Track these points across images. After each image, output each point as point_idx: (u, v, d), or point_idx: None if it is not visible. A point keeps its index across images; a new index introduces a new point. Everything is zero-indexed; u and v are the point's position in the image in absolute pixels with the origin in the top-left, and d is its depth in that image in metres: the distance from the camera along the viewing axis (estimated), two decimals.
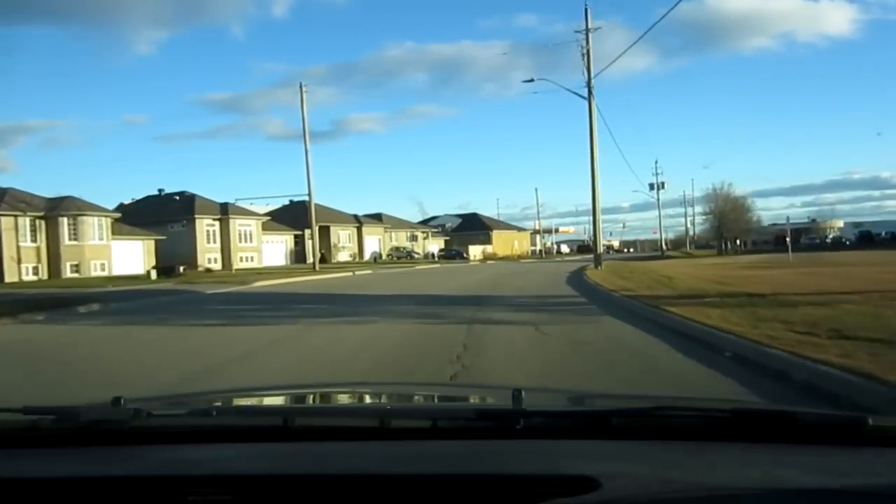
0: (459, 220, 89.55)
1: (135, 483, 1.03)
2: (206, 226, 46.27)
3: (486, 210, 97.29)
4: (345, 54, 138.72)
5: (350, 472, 1.03)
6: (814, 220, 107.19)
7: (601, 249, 27.55)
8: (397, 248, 66.36)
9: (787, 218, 45.91)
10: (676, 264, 31.06)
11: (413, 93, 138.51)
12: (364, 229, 64.13)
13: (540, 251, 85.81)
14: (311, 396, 1.98)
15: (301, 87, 29.78)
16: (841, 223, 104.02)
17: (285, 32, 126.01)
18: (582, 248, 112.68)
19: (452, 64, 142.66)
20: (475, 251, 75.37)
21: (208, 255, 46.10)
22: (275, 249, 53.51)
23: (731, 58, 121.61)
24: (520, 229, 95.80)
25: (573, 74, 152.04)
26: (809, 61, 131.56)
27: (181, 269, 30.12)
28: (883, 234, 78.86)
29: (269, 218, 53.41)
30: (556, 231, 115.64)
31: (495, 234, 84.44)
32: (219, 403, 1.70)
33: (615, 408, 1.41)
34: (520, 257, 77.56)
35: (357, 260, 60.23)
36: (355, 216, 65.00)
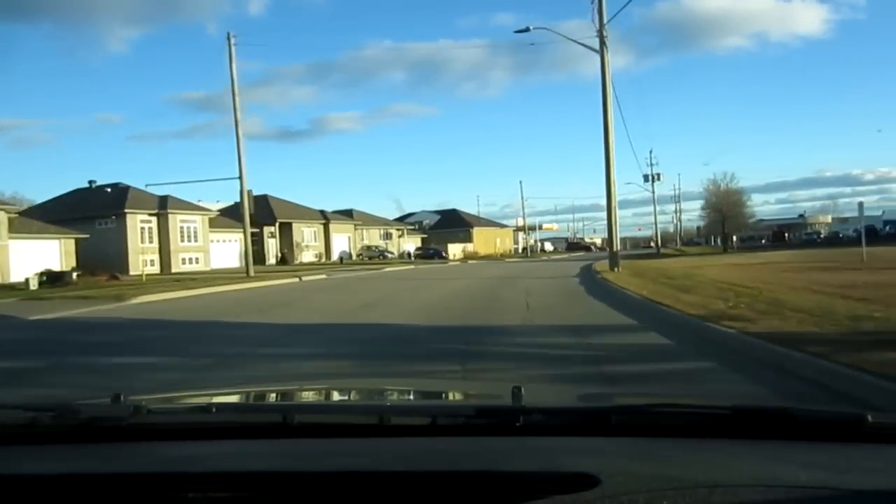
0: (438, 217, 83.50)
1: (134, 480, 1.03)
2: (139, 222, 39.51)
3: (467, 208, 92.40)
4: (323, 53, 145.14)
5: (349, 469, 1.02)
6: (801, 216, 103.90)
7: (617, 246, 21.40)
8: (369, 248, 59.97)
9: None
10: (703, 264, 25.13)
11: (391, 91, 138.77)
12: (332, 226, 57.64)
13: (524, 249, 79.92)
14: (311, 393, 1.95)
15: (229, 38, 23.25)
16: (829, 219, 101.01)
17: (262, 31, 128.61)
18: (572, 245, 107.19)
19: (431, 63, 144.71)
20: (455, 250, 69.76)
21: (143, 256, 39.31)
22: (226, 250, 46.84)
23: (706, 57, 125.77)
24: (501, 226, 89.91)
25: (553, 72, 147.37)
26: (782, 61, 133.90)
27: (74, 275, 23.48)
28: (887, 228, 74.46)
29: (218, 213, 46.74)
30: (540, 228, 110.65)
31: (476, 231, 78.45)
32: (218, 400, 1.65)
33: (615, 405, 1.42)
34: (503, 256, 72.05)
35: (323, 260, 53.80)
36: (322, 212, 58.50)
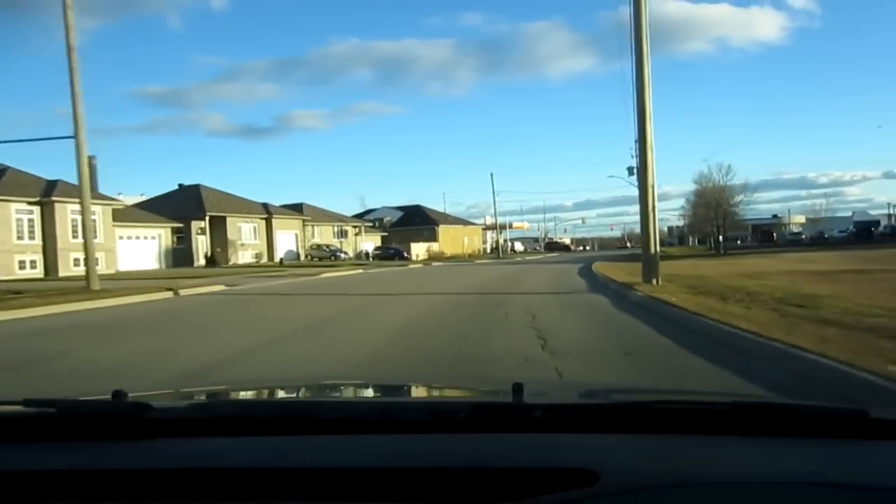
0: (401, 214, 76.23)
1: (135, 476, 1.02)
2: (16, 212, 31.19)
3: (433, 206, 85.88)
4: (287, 49, 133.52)
5: (351, 466, 1.01)
6: (775, 216, 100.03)
7: (656, 247, 14.27)
8: (318, 247, 52.10)
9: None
10: (750, 271, 18.29)
11: (358, 90, 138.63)
12: (275, 222, 49.70)
13: (493, 249, 72.51)
14: (312, 390, 1.95)
15: None
16: (803, 219, 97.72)
17: (225, 25, 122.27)
18: (550, 245, 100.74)
19: (397, 61, 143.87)
20: (418, 249, 62.79)
21: (21, 256, 31.14)
22: (140, 248, 38.73)
23: (668, 61, 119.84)
24: (469, 224, 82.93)
25: (519, 73, 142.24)
26: (741, 65, 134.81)
27: None
28: (882, 227, 69.54)
29: (127, 206, 38.52)
30: (510, 227, 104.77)
31: (442, 229, 71.21)
32: (220, 397, 1.67)
33: (615, 401, 1.41)
34: (471, 256, 65.28)
35: (264, 261, 45.92)
36: (264, 205, 50.53)
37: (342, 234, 58.72)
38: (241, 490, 0.98)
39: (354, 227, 61.02)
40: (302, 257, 49.51)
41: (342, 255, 50.06)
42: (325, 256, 48.69)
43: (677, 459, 1.02)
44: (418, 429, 1.16)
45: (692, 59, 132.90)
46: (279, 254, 48.12)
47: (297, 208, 54.73)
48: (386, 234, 67.80)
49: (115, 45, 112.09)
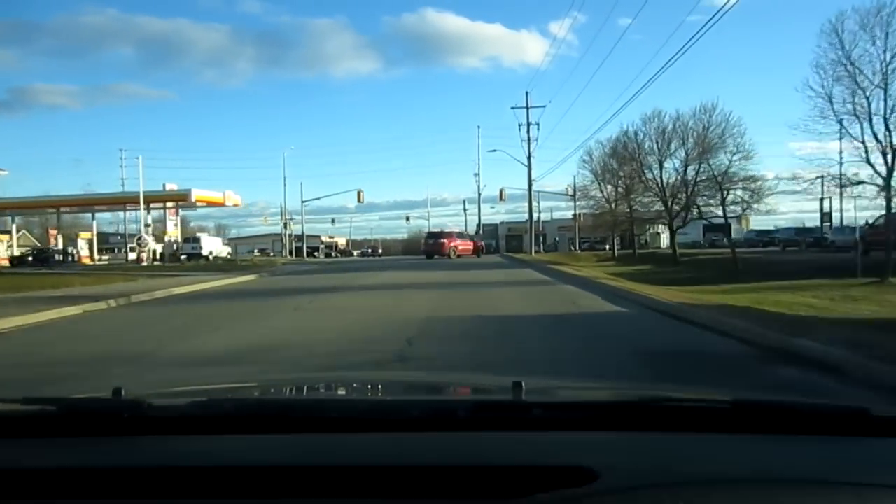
0: None
1: (133, 474, 1.02)
2: None
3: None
4: (25, 10, 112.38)
5: (350, 463, 1.02)
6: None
7: None
8: None
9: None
10: None
11: (118, 69, 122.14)
12: None
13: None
14: (311, 388, 1.94)
15: None
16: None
17: None
18: (434, 241, 38.21)
19: (166, 42, 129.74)
20: None
21: None
22: None
23: (448, 72, 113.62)
24: None
25: (301, 70, 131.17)
26: (511, 84, 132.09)
27: None
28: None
29: None
30: (193, 202, 52.25)
31: None
32: (218, 395, 1.64)
33: (615, 399, 1.43)
34: None
35: None
36: None
37: None
38: (240, 488, 0.97)
39: None
40: None
41: None
42: None
43: (677, 458, 1.01)
44: (418, 427, 1.15)
45: (469, 73, 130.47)
46: None
47: None
48: None
49: None
